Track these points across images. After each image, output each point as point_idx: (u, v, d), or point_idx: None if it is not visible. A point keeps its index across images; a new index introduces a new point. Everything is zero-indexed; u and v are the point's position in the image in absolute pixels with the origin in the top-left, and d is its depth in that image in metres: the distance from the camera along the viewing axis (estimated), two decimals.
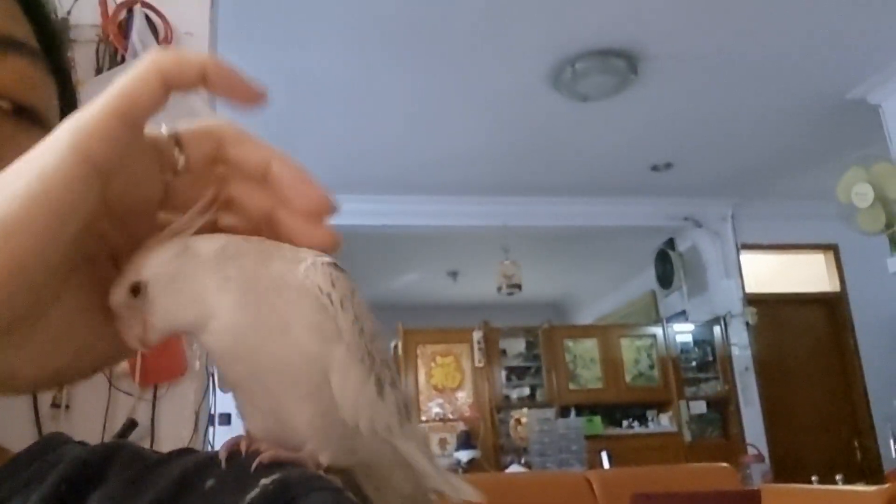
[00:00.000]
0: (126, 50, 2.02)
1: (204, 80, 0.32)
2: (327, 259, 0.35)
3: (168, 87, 0.31)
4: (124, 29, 2.04)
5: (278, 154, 0.34)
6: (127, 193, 0.33)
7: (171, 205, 0.35)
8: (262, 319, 0.33)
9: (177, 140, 0.34)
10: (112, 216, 0.33)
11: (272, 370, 0.34)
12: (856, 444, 6.72)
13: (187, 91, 0.32)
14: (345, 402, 0.35)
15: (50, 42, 0.45)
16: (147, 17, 2.07)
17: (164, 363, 1.88)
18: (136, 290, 0.33)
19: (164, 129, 0.34)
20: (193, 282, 0.33)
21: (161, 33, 2.10)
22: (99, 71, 2.00)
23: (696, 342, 7.38)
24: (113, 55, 2.04)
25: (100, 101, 0.30)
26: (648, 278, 7.92)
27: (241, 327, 0.33)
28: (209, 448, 2.09)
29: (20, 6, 0.44)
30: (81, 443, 0.42)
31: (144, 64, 0.31)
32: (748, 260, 6.97)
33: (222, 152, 0.35)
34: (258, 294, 0.33)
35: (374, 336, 0.37)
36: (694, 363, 7.33)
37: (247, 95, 0.34)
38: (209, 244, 0.34)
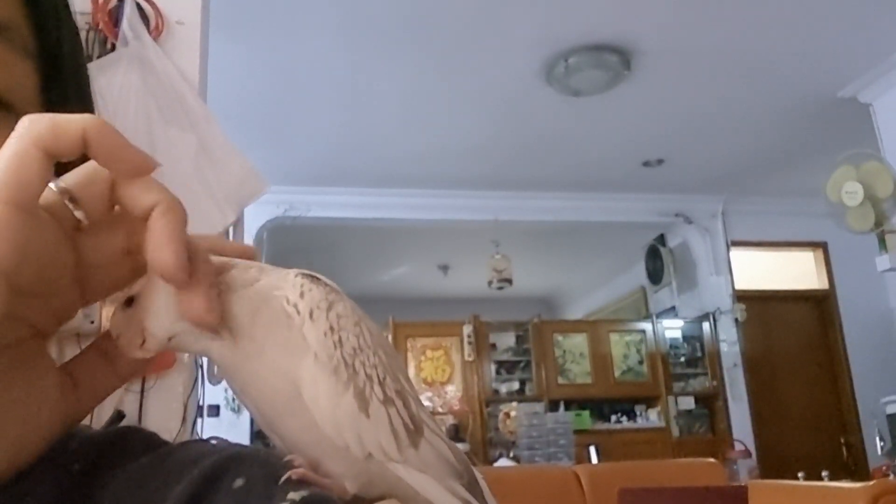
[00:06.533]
0: (116, 38, 2.00)
1: (85, 145, 0.30)
2: (306, 272, 0.36)
3: (50, 156, 0.29)
4: (114, 17, 2.02)
5: (165, 201, 0.31)
6: (37, 274, 0.29)
7: (85, 262, 0.32)
8: (243, 342, 0.34)
9: (69, 196, 0.31)
10: (26, 297, 0.30)
11: (253, 387, 0.35)
12: (842, 440, 6.77)
13: (70, 158, 0.30)
14: (319, 414, 0.34)
15: (44, 19, 0.42)
16: (138, 6, 2.05)
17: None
18: (129, 301, 0.34)
19: (52, 186, 0.30)
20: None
21: (152, 22, 2.08)
22: (88, 59, 1.98)
23: (685, 338, 7.42)
24: (103, 43, 2.02)
25: None
26: (638, 274, 7.95)
27: (226, 351, 0.34)
28: None
29: None
30: (87, 426, 0.41)
31: (18, 138, 0.29)
32: (738, 257, 7.00)
33: (115, 194, 0.32)
34: (243, 317, 0.34)
35: (364, 350, 0.35)
36: (682, 359, 7.37)
37: (132, 165, 0.31)
38: None
